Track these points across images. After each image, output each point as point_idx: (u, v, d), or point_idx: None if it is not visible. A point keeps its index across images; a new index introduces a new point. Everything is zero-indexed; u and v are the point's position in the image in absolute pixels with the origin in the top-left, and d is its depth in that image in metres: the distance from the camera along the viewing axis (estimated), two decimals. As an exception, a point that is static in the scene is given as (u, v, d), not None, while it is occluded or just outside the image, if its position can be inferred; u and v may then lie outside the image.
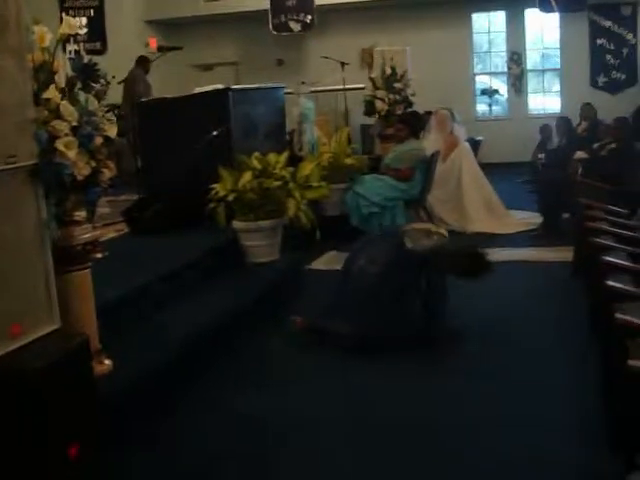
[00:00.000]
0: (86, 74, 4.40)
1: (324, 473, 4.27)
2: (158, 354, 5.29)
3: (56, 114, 4.16)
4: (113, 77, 5.00)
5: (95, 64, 4.49)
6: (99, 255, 4.71)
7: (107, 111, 4.73)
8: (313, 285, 7.85)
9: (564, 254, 8.27)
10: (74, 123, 4.22)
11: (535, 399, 4.97)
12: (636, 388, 3.43)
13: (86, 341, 4.28)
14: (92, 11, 15.82)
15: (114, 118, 4.81)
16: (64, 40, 4.41)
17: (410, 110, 12.82)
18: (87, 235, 4.58)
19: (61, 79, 4.29)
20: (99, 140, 4.41)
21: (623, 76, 16.34)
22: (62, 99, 4.21)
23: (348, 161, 10.15)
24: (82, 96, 4.37)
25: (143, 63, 12.35)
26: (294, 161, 8.50)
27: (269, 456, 4.46)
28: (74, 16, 4.63)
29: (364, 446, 4.51)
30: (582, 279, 6.91)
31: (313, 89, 12.55)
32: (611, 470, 3.76)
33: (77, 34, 4.44)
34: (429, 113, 12.22)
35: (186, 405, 5.07)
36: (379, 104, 12.97)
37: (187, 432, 4.75)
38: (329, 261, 9.03)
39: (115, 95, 8.35)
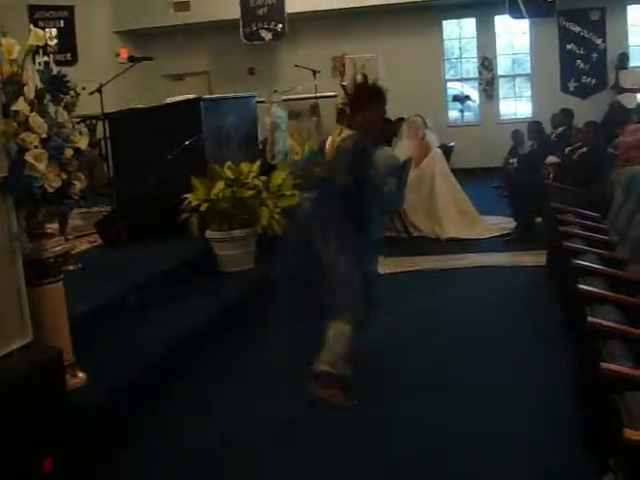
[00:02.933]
0: (55, 86, 4.38)
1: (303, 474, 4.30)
2: (134, 365, 5.26)
3: (25, 126, 4.14)
4: (83, 88, 4.95)
5: (64, 75, 4.47)
6: (72, 267, 4.69)
7: (78, 122, 4.71)
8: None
9: (537, 258, 8.32)
10: (44, 135, 4.20)
11: (509, 401, 4.99)
12: (609, 390, 3.45)
13: (59, 354, 4.26)
14: (62, 22, 15.74)
15: (85, 129, 4.78)
16: (33, 51, 4.39)
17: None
18: (59, 247, 4.56)
19: (30, 91, 4.26)
20: (69, 152, 4.38)
21: (593, 81, 16.45)
22: (31, 111, 4.19)
23: (321, 169, 10.14)
24: (52, 108, 4.35)
25: None
26: (267, 170, 8.49)
27: (246, 459, 4.47)
28: (44, 27, 4.60)
29: (345, 448, 4.53)
30: (555, 282, 6.95)
31: (285, 98, 12.55)
32: (585, 472, 3.78)
33: (47, 45, 4.42)
34: (401, 120, 12.26)
35: (163, 414, 5.05)
36: (351, 112, 12.95)
37: (164, 441, 4.74)
38: (303, 269, 9.01)
39: (87, 106, 8.26)
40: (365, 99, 5.23)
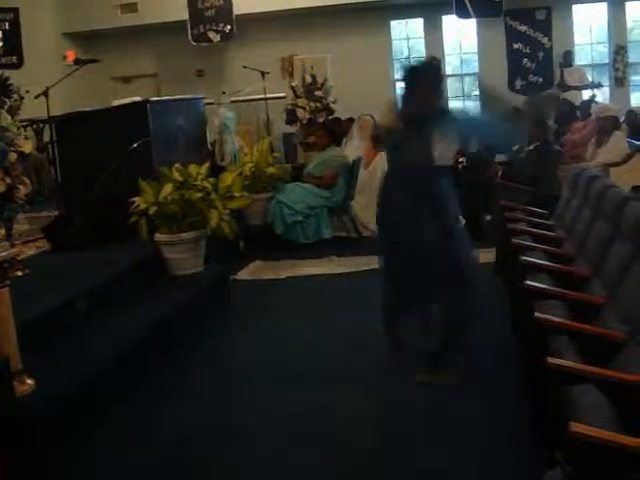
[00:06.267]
0: (-3, 89, 4.34)
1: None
2: (84, 371, 5.20)
3: (-32, 131, 4.10)
4: (27, 91, 4.90)
5: (7, 79, 4.43)
6: (19, 273, 4.63)
7: (24, 126, 4.67)
8: (239, 295, 7.86)
9: (487, 255, 8.36)
10: (-14, 140, 4.16)
11: (457, 398, 5.02)
12: (555, 384, 3.49)
13: (6, 361, 4.22)
14: (7, 24, 15.53)
15: (31, 133, 4.75)
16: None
17: (331, 117, 12.92)
18: (4, 253, 4.51)
19: (-28, 95, 4.22)
20: (13, 156, 4.34)
21: (540, 79, 16.62)
22: (-27, 115, 4.15)
23: (270, 170, 10.20)
24: (-5, 112, 4.31)
25: None
26: (216, 172, 8.46)
27: (198, 466, 4.44)
28: (-13, 31, 4.56)
29: (298, 454, 4.51)
30: (504, 279, 7.01)
31: (234, 99, 12.53)
32: (533, 466, 3.81)
33: (-9, 48, 4.39)
34: (351, 120, 12.30)
35: (113, 420, 5.01)
36: (300, 112, 13.01)
37: (115, 450, 4.70)
38: (254, 271, 9.03)
39: (35, 110, 8.19)
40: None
